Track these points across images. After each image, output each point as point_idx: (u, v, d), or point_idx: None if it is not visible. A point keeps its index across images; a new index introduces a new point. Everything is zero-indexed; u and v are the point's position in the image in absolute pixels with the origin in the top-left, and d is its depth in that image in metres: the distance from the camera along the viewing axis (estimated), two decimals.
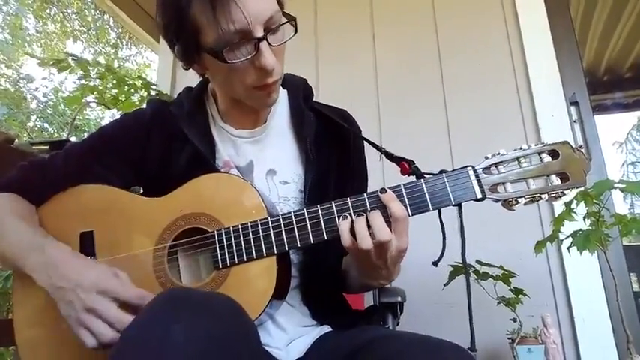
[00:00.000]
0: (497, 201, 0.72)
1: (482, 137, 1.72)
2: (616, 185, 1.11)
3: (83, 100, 1.80)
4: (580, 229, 1.18)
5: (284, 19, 0.77)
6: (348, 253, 0.92)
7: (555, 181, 0.71)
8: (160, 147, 0.89)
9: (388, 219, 0.70)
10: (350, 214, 0.71)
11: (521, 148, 0.73)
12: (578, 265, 1.50)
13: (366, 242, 0.68)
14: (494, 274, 1.34)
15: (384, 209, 0.70)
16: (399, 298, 1.01)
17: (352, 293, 0.99)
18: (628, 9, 2.88)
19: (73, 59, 1.79)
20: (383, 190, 0.71)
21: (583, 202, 1.15)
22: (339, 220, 0.71)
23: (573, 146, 0.72)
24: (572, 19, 1.92)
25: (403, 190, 0.72)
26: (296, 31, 0.78)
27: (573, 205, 1.17)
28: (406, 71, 1.91)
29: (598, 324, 1.46)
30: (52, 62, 1.81)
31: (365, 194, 0.72)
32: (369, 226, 0.69)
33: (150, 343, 0.50)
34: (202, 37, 0.75)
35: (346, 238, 0.70)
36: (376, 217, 0.69)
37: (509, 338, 1.36)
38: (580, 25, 2.99)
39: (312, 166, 0.88)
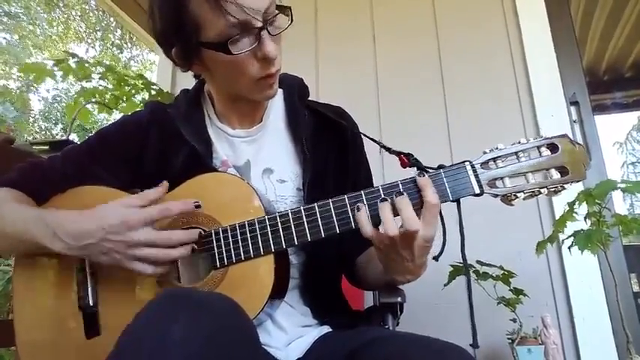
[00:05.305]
0: (495, 196, 0.71)
1: (482, 138, 1.71)
2: (619, 185, 1.11)
3: (83, 103, 1.79)
4: (581, 229, 1.18)
5: (277, 11, 0.78)
6: (364, 248, 0.93)
7: (555, 175, 0.70)
8: (157, 148, 0.90)
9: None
10: (362, 205, 0.70)
11: (519, 142, 0.72)
12: (578, 266, 1.50)
13: (392, 229, 0.67)
14: (494, 275, 1.34)
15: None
16: (399, 299, 1.01)
17: (372, 290, 0.97)
18: (628, 9, 2.89)
19: (73, 60, 1.78)
20: (421, 174, 0.70)
21: (585, 202, 1.15)
22: (352, 211, 0.70)
23: (573, 139, 0.70)
24: (572, 19, 1.91)
25: (400, 186, 0.71)
26: (292, 20, 0.79)
27: (575, 206, 1.17)
28: (406, 72, 1.91)
29: (598, 324, 1.46)
30: (52, 64, 1.80)
31: (362, 191, 0.72)
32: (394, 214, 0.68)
33: (148, 343, 0.50)
34: (203, 33, 0.75)
35: (367, 229, 0.69)
36: (405, 205, 0.68)
37: (509, 339, 1.35)
38: (580, 25, 2.99)
39: (309, 165, 0.88)
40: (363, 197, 0.71)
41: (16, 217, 0.78)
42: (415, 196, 0.70)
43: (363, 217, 0.70)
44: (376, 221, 0.70)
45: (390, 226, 0.67)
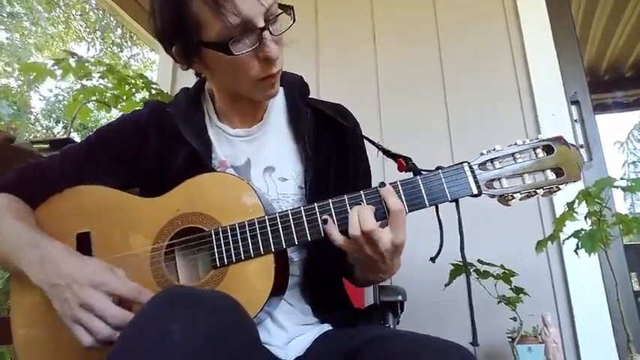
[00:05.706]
0: (493, 196, 0.72)
1: (483, 137, 1.71)
2: (616, 183, 1.11)
3: (83, 102, 1.78)
4: (582, 229, 1.17)
5: (280, 10, 0.78)
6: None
7: (550, 175, 0.71)
8: (156, 147, 0.89)
9: (385, 214, 0.71)
10: (330, 215, 0.72)
11: (516, 144, 0.73)
12: (578, 265, 1.49)
13: (354, 229, 0.69)
14: (494, 274, 1.34)
15: (380, 204, 0.71)
16: (400, 297, 1.01)
17: (358, 286, 0.99)
18: (629, 8, 2.88)
19: (73, 59, 1.77)
20: (382, 184, 0.72)
21: (584, 201, 1.15)
22: (322, 224, 0.72)
23: (567, 141, 0.72)
24: (573, 18, 1.91)
25: (400, 186, 0.72)
26: (294, 20, 0.79)
27: (575, 205, 1.17)
28: (407, 72, 1.91)
29: (598, 323, 1.46)
30: (52, 64, 1.79)
31: (362, 191, 0.73)
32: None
33: (148, 342, 0.50)
34: (204, 32, 0.75)
35: (336, 238, 0.72)
36: (364, 210, 0.70)
37: (509, 337, 1.35)
38: (581, 24, 2.99)
39: (310, 163, 0.88)
40: (346, 201, 0.73)
41: (10, 235, 0.76)
42: (381, 205, 0.72)
43: (331, 227, 0.72)
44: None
45: (352, 228, 0.70)
